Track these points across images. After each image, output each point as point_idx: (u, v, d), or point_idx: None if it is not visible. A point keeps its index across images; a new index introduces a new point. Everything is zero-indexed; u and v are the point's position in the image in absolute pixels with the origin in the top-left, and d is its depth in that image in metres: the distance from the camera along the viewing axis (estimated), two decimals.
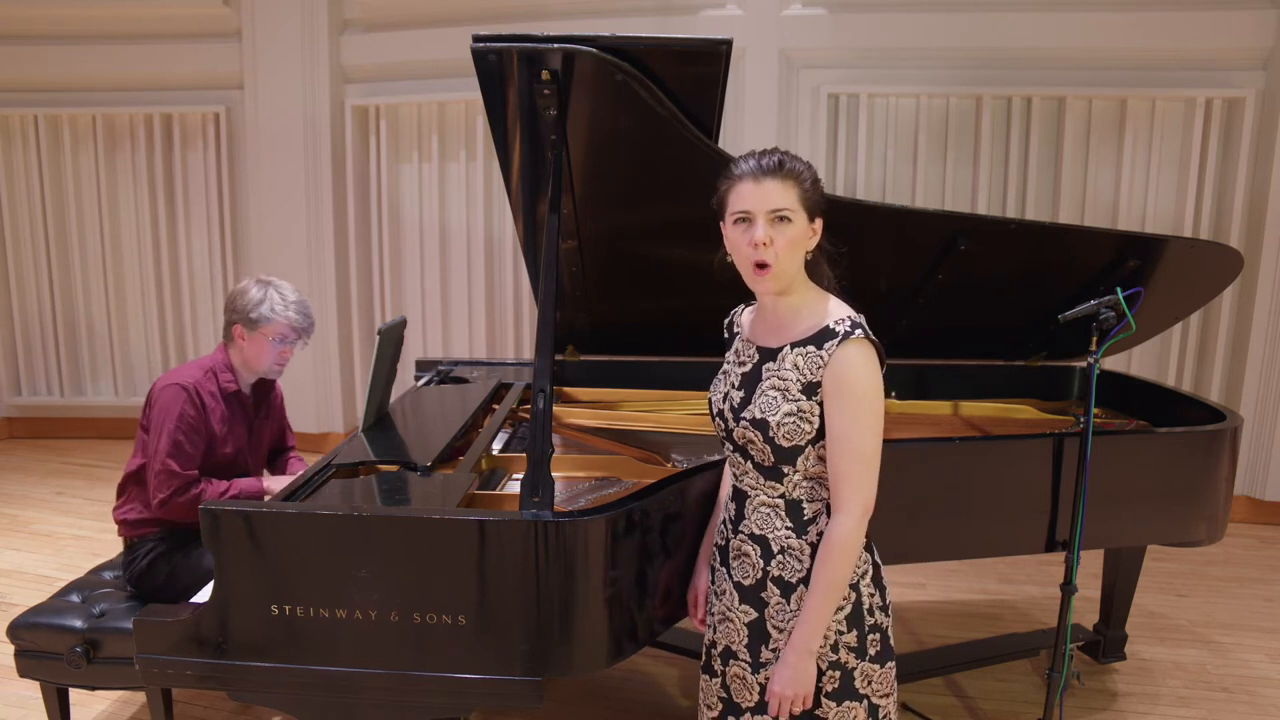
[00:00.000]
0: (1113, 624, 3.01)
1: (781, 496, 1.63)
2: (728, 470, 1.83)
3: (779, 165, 1.55)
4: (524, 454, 2.31)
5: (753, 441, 1.60)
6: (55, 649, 2.31)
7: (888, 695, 1.67)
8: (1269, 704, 2.89)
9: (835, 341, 1.55)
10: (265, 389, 2.74)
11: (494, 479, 2.33)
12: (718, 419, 1.71)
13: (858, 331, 1.55)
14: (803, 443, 1.58)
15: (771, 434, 1.57)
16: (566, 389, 3.13)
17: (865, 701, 1.64)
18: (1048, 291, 2.88)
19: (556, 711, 2.80)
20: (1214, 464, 2.59)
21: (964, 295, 2.82)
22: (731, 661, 1.71)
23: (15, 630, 2.35)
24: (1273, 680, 3.04)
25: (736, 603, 1.69)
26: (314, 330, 2.62)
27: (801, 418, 1.56)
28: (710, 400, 1.75)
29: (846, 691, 1.62)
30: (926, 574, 3.81)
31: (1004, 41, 4.45)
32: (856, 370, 1.54)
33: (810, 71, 4.65)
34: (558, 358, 3.16)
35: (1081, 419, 2.26)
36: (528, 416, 2.72)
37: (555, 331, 2.05)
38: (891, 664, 1.69)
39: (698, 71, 2.12)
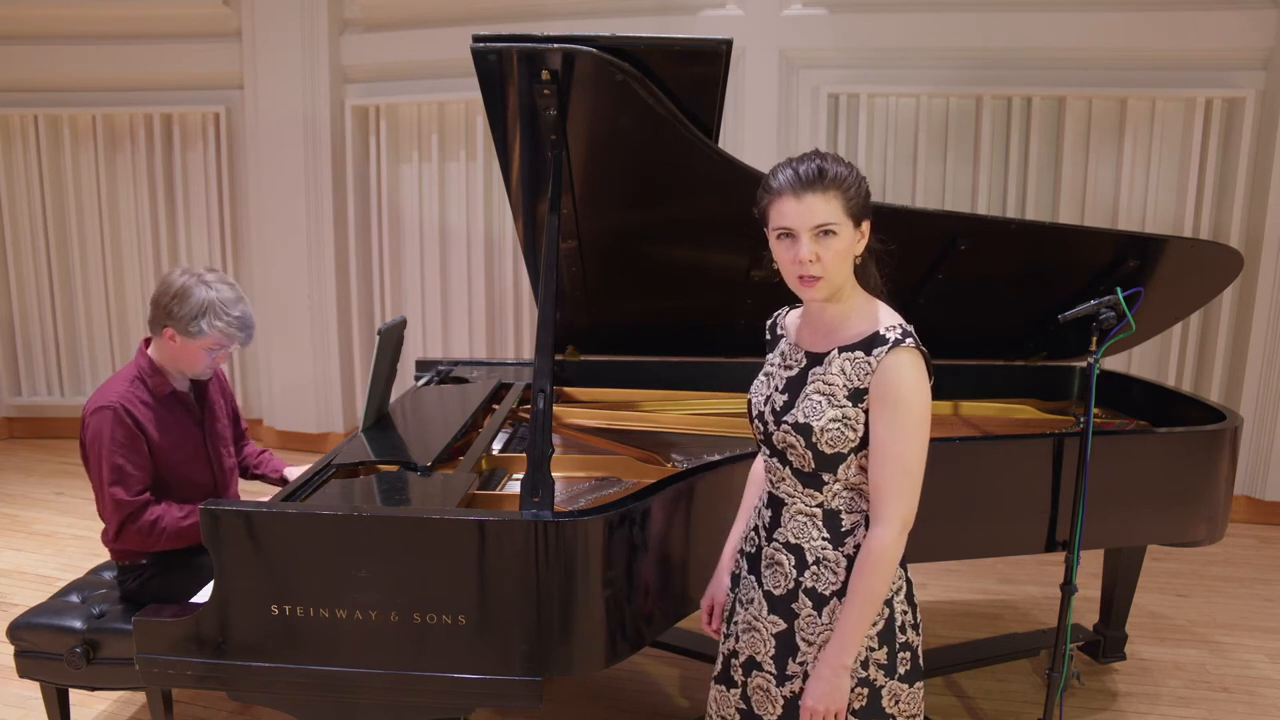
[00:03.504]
0: (1113, 624, 3.01)
1: (820, 506, 1.58)
2: (755, 475, 1.79)
3: (819, 174, 1.47)
4: (524, 454, 2.32)
5: (793, 446, 1.56)
6: (55, 649, 2.31)
7: (915, 716, 1.63)
8: (1269, 704, 2.89)
9: (885, 348, 1.50)
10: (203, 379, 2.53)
11: (494, 479, 2.33)
12: (757, 422, 1.65)
13: (909, 340, 1.51)
14: (845, 450, 1.53)
15: (814, 440, 1.52)
16: (566, 389, 3.13)
17: (888, 717, 1.59)
18: (1048, 291, 2.88)
19: (556, 711, 2.80)
20: (1214, 464, 2.59)
21: (964, 295, 2.82)
22: (755, 673, 1.65)
23: (15, 630, 2.35)
24: (1273, 680, 3.04)
25: (765, 612, 1.63)
26: (254, 335, 2.44)
27: (846, 424, 1.52)
28: (750, 402, 1.69)
29: (874, 710, 1.57)
30: (926, 574, 3.81)
31: (1004, 41, 4.45)
32: (904, 378, 1.49)
33: (810, 71, 4.65)
34: (558, 358, 3.16)
35: (1081, 419, 2.26)
36: (528, 416, 2.72)
37: (555, 331, 2.05)
38: (920, 684, 1.64)
39: (698, 71, 2.12)
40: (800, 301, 1.70)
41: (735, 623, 1.71)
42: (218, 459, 2.55)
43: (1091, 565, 3.10)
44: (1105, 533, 2.51)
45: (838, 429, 1.52)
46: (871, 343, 1.52)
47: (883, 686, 1.58)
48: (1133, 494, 2.51)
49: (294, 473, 2.72)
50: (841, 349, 1.55)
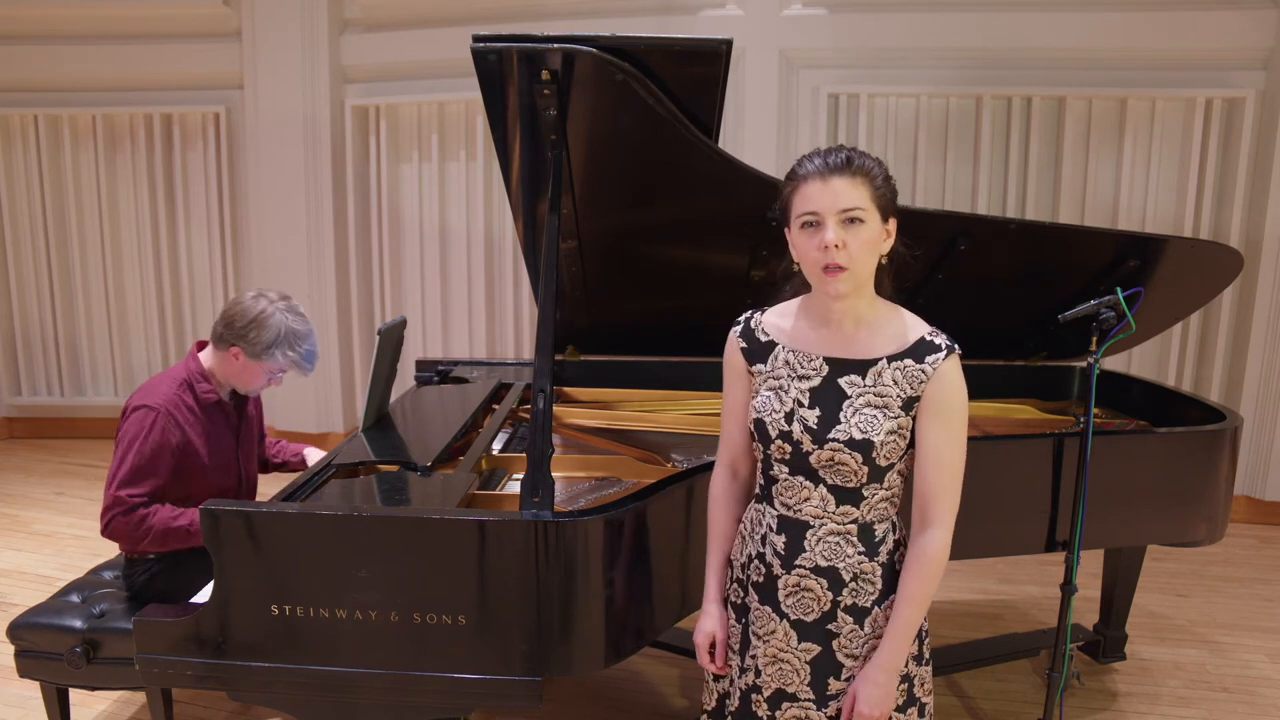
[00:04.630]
0: (1113, 624, 3.01)
1: (854, 521, 1.53)
2: (720, 498, 1.71)
3: (847, 162, 1.45)
4: (524, 454, 2.32)
5: (846, 464, 1.49)
6: (55, 649, 2.31)
7: (931, 693, 1.67)
8: (1269, 704, 2.89)
9: (941, 356, 1.49)
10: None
11: (494, 479, 2.33)
12: (779, 442, 1.53)
13: (956, 346, 1.51)
14: (897, 459, 1.52)
15: (874, 454, 1.48)
16: (566, 389, 3.13)
17: (918, 703, 1.62)
18: (1048, 291, 2.88)
19: (556, 711, 2.80)
20: (1214, 464, 2.59)
21: (964, 295, 2.81)
22: (788, 704, 1.58)
23: (15, 630, 2.35)
24: (1273, 680, 3.04)
25: (795, 642, 1.56)
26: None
27: (900, 434, 1.50)
28: (762, 422, 1.55)
29: (911, 701, 1.60)
30: None
31: (1004, 41, 4.45)
32: (960, 386, 1.50)
33: (810, 71, 4.65)
34: (558, 358, 3.16)
35: (1081, 419, 2.26)
36: (528, 416, 2.72)
37: (555, 331, 2.05)
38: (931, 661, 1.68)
39: (698, 71, 2.12)
40: (767, 305, 1.65)
41: (752, 656, 1.62)
42: (246, 470, 2.59)
43: (1091, 565, 3.10)
44: (1105, 533, 2.51)
45: (894, 440, 1.50)
46: (922, 350, 1.50)
47: (914, 676, 1.60)
48: (1133, 494, 2.51)
49: (313, 454, 2.77)
50: (890, 358, 1.51)
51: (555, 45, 1.96)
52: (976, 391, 3.12)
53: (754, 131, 4.63)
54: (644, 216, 2.60)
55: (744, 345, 1.63)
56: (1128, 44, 4.37)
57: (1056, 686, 2.38)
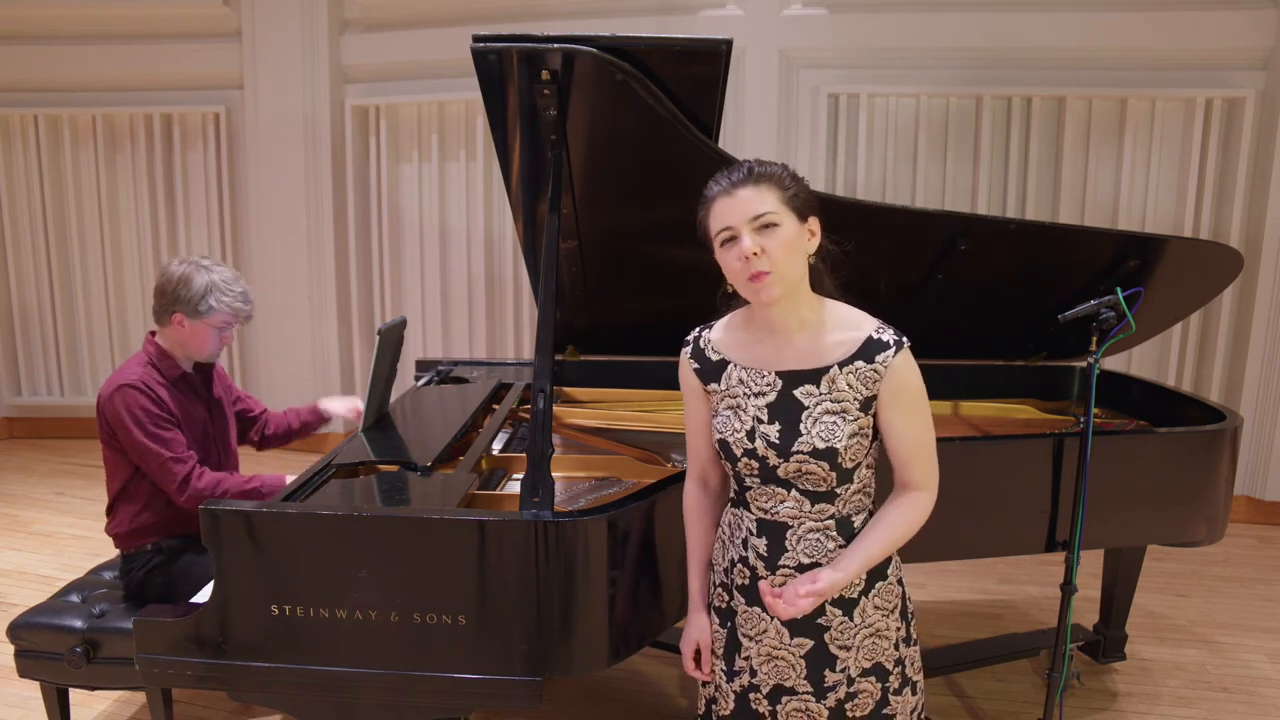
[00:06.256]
0: (1113, 624, 3.01)
1: (832, 517, 1.55)
2: (694, 508, 1.73)
3: (749, 173, 1.49)
4: (524, 454, 2.32)
5: (814, 472, 1.52)
6: (55, 649, 2.31)
7: (921, 671, 1.70)
8: (1269, 704, 2.89)
9: (891, 353, 1.51)
10: (207, 365, 2.65)
11: (494, 479, 2.33)
12: (746, 459, 1.55)
13: (904, 338, 1.54)
14: (863, 457, 1.55)
15: (840, 459, 1.50)
16: (566, 389, 3.13)
17: (911, 683, 1.66)
18: (1048, 291, 2.88)
19: (556, 711, 2.80)
20: (1214, 464, 2.59)
21: (964, 295, 2.82)
22: (787, 698, 1.60)
23: (15, 630, 2.35)
24: (1273, 680, 3.04)
25: (787, 639, 1.58)
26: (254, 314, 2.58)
27: (862, 434, 1.52)
28: (726, 442, 1.57)
29: (905, 682, 1.64)
30: (926, 574, 3.81)
31: (1004, 41, 4.45)
32: (915, 375, 1.54)
33: (810, 71, 4.65)
34: (558, 358, 3.15)
35: (1081, 419, 2.26)
36: (528, 416, 2.72)
37: (555, 331, 2.05)
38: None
39: (698, 71, 2.12)
40: (712, 319, 1.67)
41: (745, 658, 1.64)
42: (224, 443, 2.65)
43: (1091, 565, 3.10)
44: (1105, 533, 2.51)
45: (857, 442, 1.52)
46: (871, 349, 1.52)
47: (906, 658, 1.64)
48: (1133, 494, 2.51)
49: (332, 403, 2.95)
50: (841, 364, 1.52)
51: (555, 45, 1.96)
52: (977, 391, 3.18)
53: (754, 131, 4.63)
54: (644, 216, 2.60)
55: (696, 366, 1.66)
56: (1128, 44, 4.37)
57: (1056, 686, 2.38)
